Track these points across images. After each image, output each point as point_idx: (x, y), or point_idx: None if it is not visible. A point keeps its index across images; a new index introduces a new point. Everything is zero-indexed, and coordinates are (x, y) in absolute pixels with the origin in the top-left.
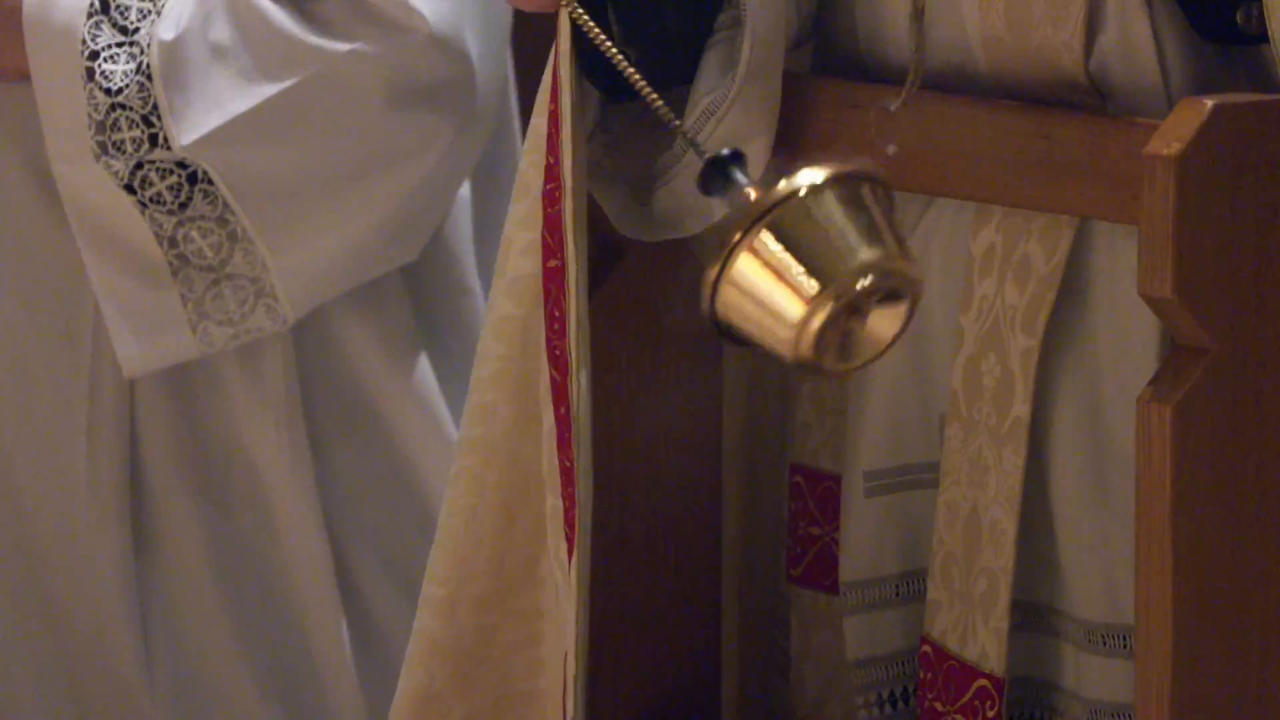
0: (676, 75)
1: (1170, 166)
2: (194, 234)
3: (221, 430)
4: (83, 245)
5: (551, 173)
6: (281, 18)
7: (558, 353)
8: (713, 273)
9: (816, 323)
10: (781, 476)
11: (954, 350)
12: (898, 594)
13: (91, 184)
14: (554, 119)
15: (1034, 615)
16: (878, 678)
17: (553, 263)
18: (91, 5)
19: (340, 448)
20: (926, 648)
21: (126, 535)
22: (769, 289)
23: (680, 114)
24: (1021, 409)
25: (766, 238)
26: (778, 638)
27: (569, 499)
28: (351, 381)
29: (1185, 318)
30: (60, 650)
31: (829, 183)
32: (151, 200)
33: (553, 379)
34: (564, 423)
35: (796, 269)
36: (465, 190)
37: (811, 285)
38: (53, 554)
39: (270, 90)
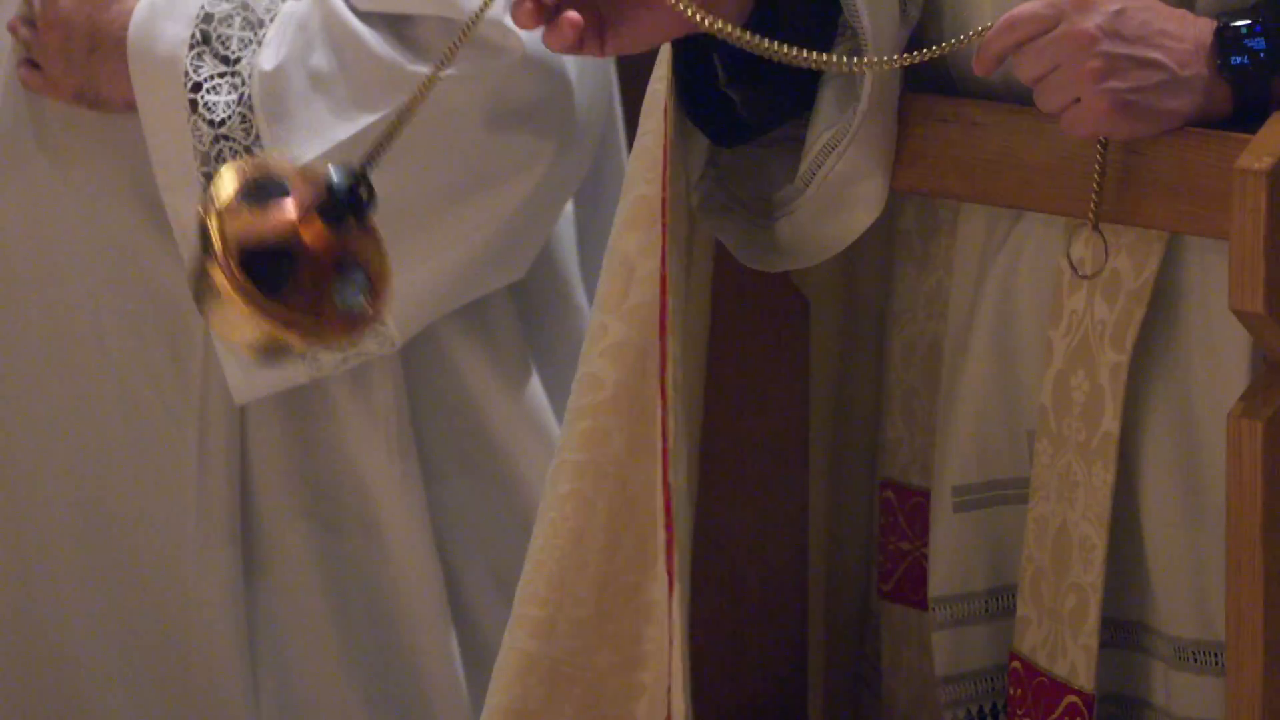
0: (783, 113)
1: (1261, 181)
2: None
3: (332, 451)
4: None
5: (664, 208)
6: (379, 44)
7: (662, 383)
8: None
9: None
10: (868, 491)
11: (1043, 365)
12: (986, 610)
13: None
14: (666, 157)
15: (1124, 632)
16: (966, 693)
17: (666, 298)
18: (193, 36)
19: (450, 467)
20: (1016, 663)
21: (236, 558)
22: None
23: (797, 153)
24: (1111, 424)
25: None
26: (867, 653)
27: (667, 529)
28: (461, 400)
29: (1276, 333)
30: (168, 672)
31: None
32: None
33: (661, 407)
34: (665, 450)
35: None
36: (569, 206)
37: None
38: (162, 577)
39: (370, 117)
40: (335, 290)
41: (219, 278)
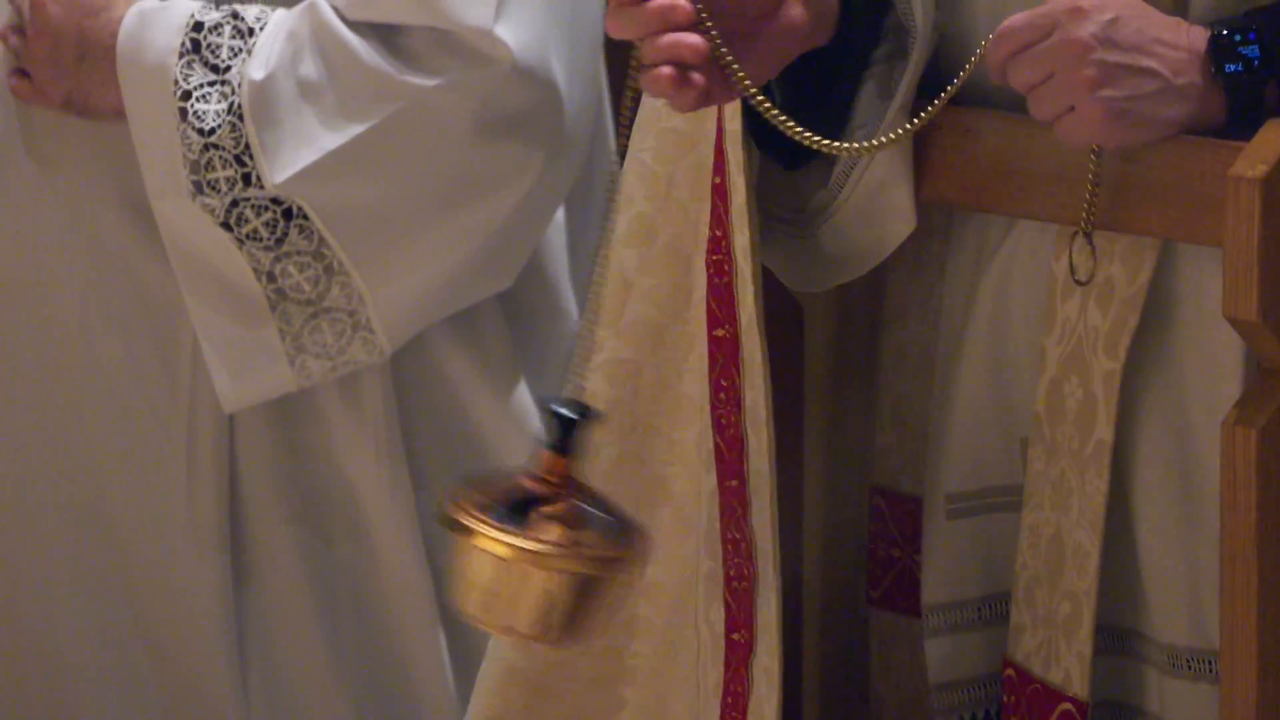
0: (830, 127)
1: (1255, 188)
2: (291, 269)
3: (321, 459)
4: (182, 281)
5: (717, 245)
6: (369, 53)
7: (723, 422)
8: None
9: None
10: (862, 498)
11: (1036, 373)
12: (980, 617)
13: (189, 221)
14: (720, 192)
15: (1117, 639)
16: (959, 701)
17: (719, 332)
18: (183, 45)
19: (440, 474)
20: (1010, 671)
21: (226, 565)
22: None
23: (830, 159)
24: (1104, 432)
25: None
26: (857, 660)
27: (735, 570)
28: (450, 408)
29: (1270, 340)
30: (158, 679)
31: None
32: (248, 237)
33: (716, 446)
34: (732, 494)
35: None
36: (559, 213)
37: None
38: (152, 584)
39: (360, 126)
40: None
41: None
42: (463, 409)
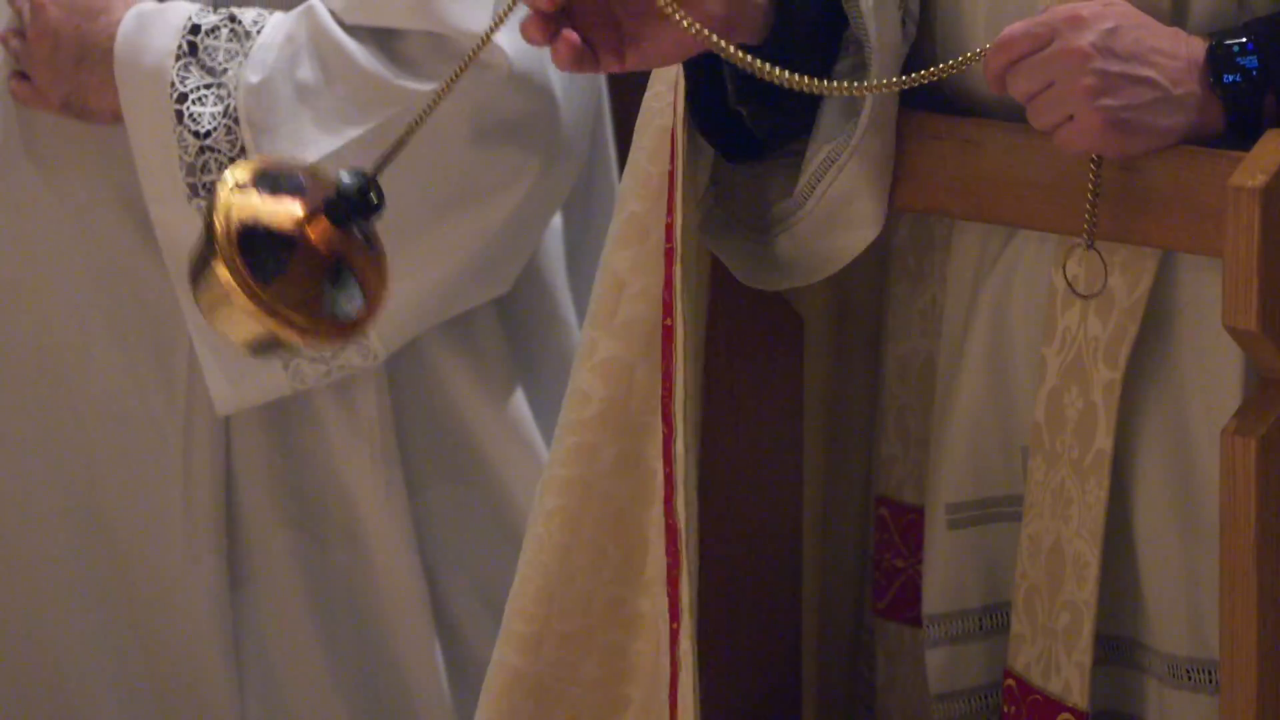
0: (791, 131)
1: (1255, 198)
2: None
3: (317, 464)
4: (178, 284)
5: (670, 233)
6: (366, 58)
7: (666, 411)
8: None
9: None
10: (862, 508)
11: (1036, 382)
12: (980, 627)
13: (185, 224)
14: (672, 179)
15: (1118, 649)
16: (960, 711)
17: (668, 320)
18: (180, 48)
19: (435, 480)
20: (1010, 681)
21: (221, 569)
22: None
23: (797, 168)
24: (1104, 441)
25: None
26: (861, 670)
27: (671, 558)
28: (446, 413)
29: (1270, 350)
30: (155, 681)
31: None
32: None
33: (664, 435)
34: (668, 481)
35: None
36: (557, 220)
37: None
38: (148, 588)
39: (356, 130)
40: (329, 294)
41: (218, 265)
42: (458, 414)
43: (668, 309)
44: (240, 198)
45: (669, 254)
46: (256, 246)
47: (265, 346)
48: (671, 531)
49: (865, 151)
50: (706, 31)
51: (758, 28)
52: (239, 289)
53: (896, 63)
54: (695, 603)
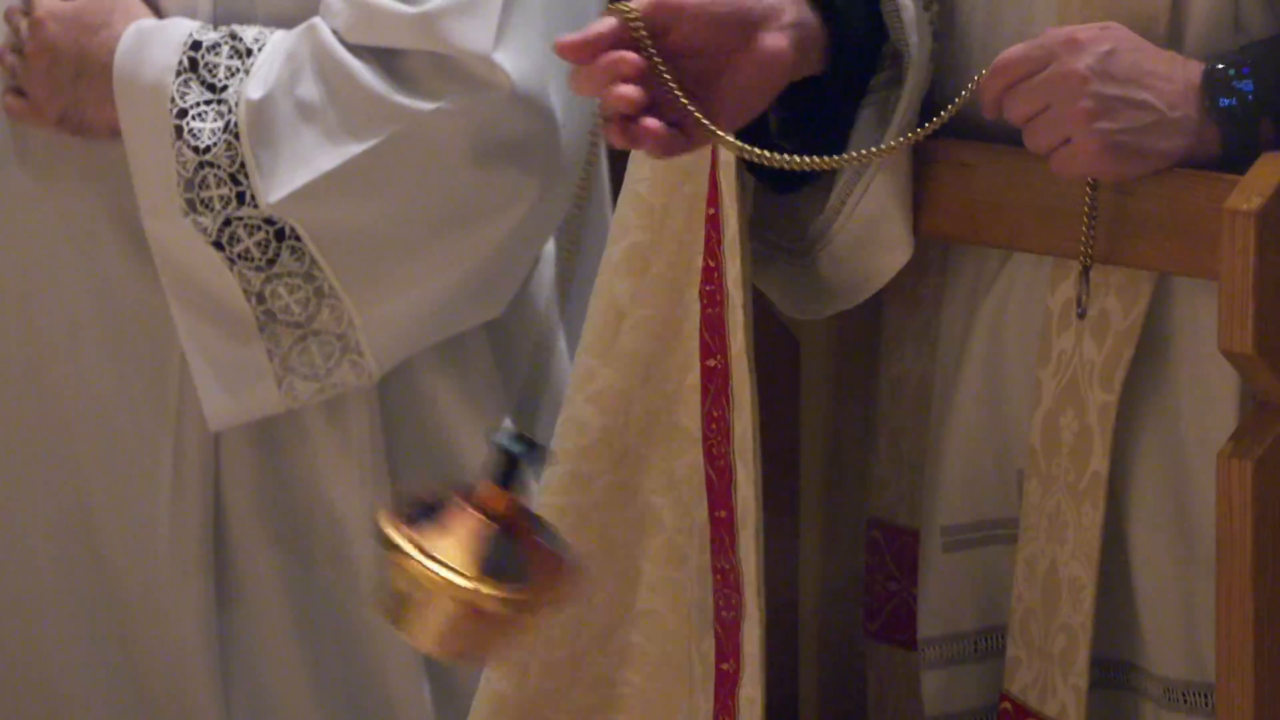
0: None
1: (1250, 221)
2: (281, 290)
3: (306, 483)
4: (171, 299)
5: (710, 275)
6: (368, 76)
7: (714, 452)
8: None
9: None
10: (858, 531)
11: (1032, 405)
12: (976, 650)
13: (181, 239)
14: (714, 223)
15: (1113, 672)
16: None
17: (711, 362)
18: (180, 63)
19: None
20: (1006, 704)
21: (209, 587)
22: None
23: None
24: (1100, 464)
25: None
26: (854, 693)
27: (724, 600)
28: (435, 436)
29: (1265, 373)
30: (142, 698)
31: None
32: (239, 256)
33: (707, 476)
34: (722, 525)
35: None
36: (549, 246)
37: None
38: (135, 604)
39: (356, 148)
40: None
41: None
42: (448, 437)
43: (709, 350)
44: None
45: (711, 296)
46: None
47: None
48: (724, 574)
49: (893, 165)
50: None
51: (821, 57)
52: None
53: (926, 78)
54: (764, 652)
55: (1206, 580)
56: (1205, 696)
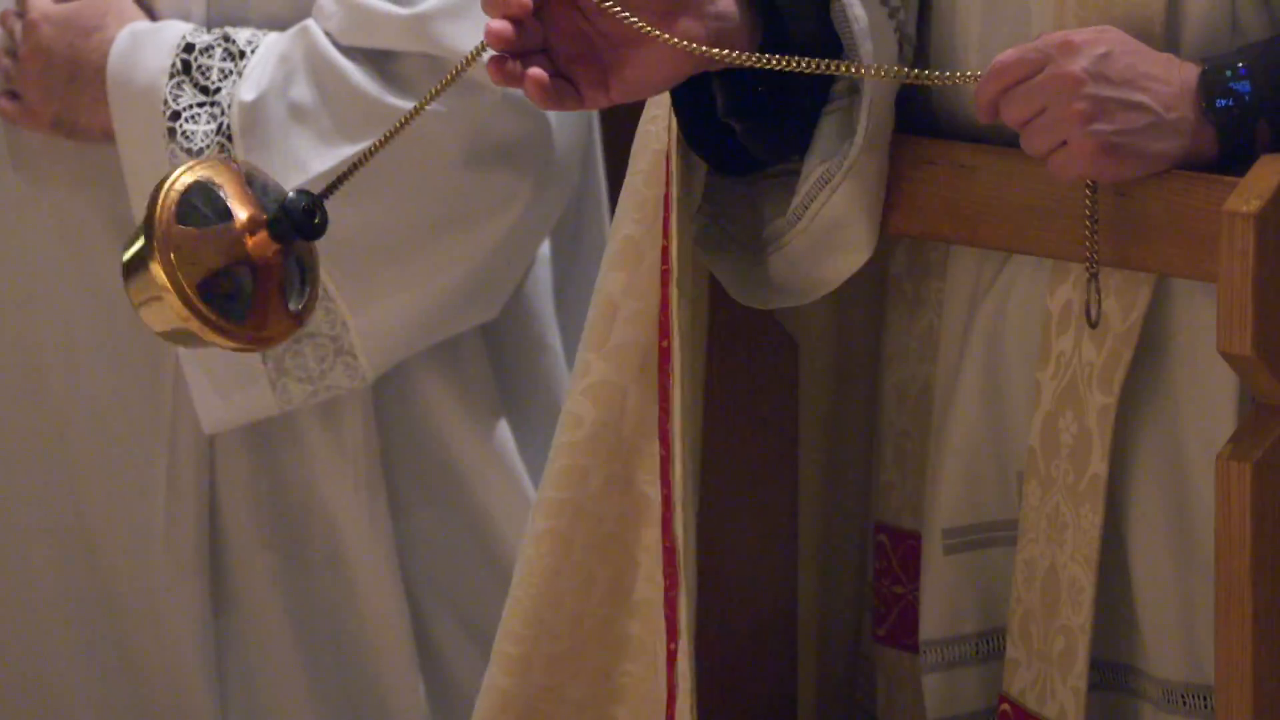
0: (786, 148)
1: (1249, 223)
2: None
3: (301, 486)
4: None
5: (665, 254)
6: (361, 78)
7: (663, 430)
8: None
9: None
10: (859, 534)
11: (1031, 407)
12: (977, 652)
13: None
14: (667, 203)
15: (1112, 674)
16: None
17: (665, 342)
18: (173, 66)
19: (419, 505)
20: (1005, 706)
21: (204, 590)
22: None
23: (792, 187)
24: (1099, 466)
25: None
26: (859, 697)
27: (670, 579)
28: (430, 438)
29: (1264, 375)
30: (138, 703)
31: None
32: None
33: (662, 455)
34: (666, 502)
35: None
36: (545, 248)
37: None
38: (131, 607)
39: (349, 150)
40: (262, 304)
41: (155, 265)
42: (443, 440)
43: (664, 330)
44: (181, 197)
45: (665, 275)
46: (193, 250)
47: (181, 338)
48: (669, 553)
49: (860, 172)
50: (687, 41)
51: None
52: (172, 291)
53: (892, 89)
54: (693, 624)
55: (1206, 582)
56: (1204, 698)
